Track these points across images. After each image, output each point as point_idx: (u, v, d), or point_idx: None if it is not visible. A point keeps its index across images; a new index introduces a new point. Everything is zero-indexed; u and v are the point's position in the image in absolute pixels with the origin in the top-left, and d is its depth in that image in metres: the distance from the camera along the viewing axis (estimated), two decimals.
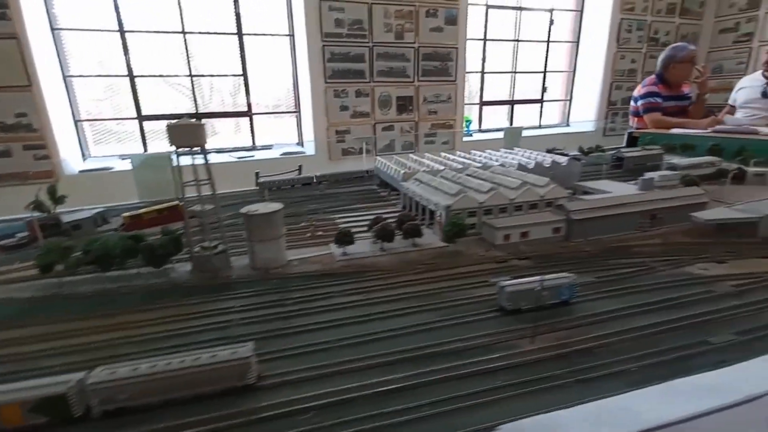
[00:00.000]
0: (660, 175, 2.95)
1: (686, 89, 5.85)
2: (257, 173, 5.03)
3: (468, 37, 7.74)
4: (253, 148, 7.27)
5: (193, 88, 6.67)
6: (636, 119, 5.92)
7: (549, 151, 4.82)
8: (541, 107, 9.79)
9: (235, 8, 6.55)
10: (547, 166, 3.20)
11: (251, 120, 7.17)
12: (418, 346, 1.26)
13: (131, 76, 6.15)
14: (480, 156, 3.53)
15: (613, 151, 4.32)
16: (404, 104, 7.50)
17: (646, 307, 1.46)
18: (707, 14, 9.50)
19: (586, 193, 2.84)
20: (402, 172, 2.92)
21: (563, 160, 3.25)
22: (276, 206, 1.92)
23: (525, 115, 9.97)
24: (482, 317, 1.42)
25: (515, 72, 9.24)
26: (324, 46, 6.60)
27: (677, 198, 2.29)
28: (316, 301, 1.59)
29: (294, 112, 7.49)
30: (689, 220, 2.16)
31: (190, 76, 6.63)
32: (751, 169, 3.29)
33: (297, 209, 2.99)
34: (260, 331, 1.37)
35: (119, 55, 6.03)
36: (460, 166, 3.06)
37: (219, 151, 7.00)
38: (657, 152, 4.13)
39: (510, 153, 3.62)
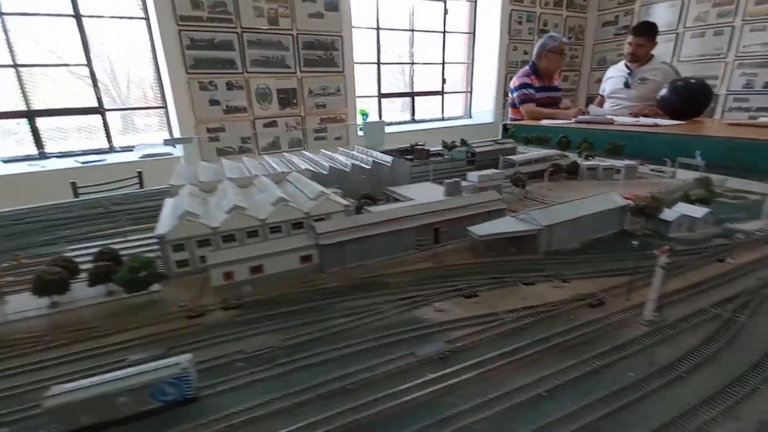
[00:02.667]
0: (480, 175, 2.58)
1: (556, 81, 5.79)
2: (73, 183, 4.13)
3: (354, 24, 7.18)
4: (111, 150, 6.21)
5: (20, 80, 5.49)
6: (513, 110, 5.77)
7: (413, 146, 4.42)
8: (443, 99, 9.56)
9: None
10: (368, 167, 2.73)
11: (104, 117, 6.10)
12: None
13: None
14: (297, 159, 2.99)
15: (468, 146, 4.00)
16: (287, 97, 6.81)
17: (313, 393, 0.97)
18: (591, 7, 9.75)
19: (395, 200, 2.39)
20: (170, 184, 2.29)
21: (387, 160, 2.79)
22: None
23: (429, 108, 9.71)
24: None
25: (413, 63, 8.87)
26: (180, 30, 5.71)
27: (466, 207, 1.88)
28: None
29: (161, 107, 6.52)
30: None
31: (14, 66, 5.44)
32: (584, 163, 3.06)
33: (33, 239, 2.26)
34: None
35: None
36: (258, 174, 2.49)
37: (63, 155, 5.89)
38: (510, 146, 3.86)
39: (339, 154, 3.12)
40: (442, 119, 9.66)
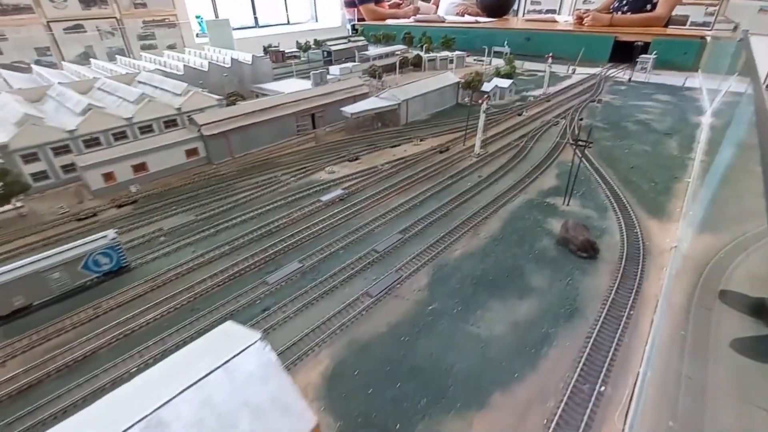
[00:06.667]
0: (342, 68, 2.69)
1: None
2: None
3: None
4: None
5: None
6: (354, 10, 5.70)
7: (266, 49, 4.14)
8: (286, 3, 8.68)
9: None
10: (227, 66, 2.53)
11: None
12: None
13: None
14: (137, 62, 2.57)
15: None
16: None
17: (224, 249, 1.10)
18: None
19: (264, 95, 2.35)
20: None
21: (247, 58, 2.62)
22: None
23: (276, 13, 8.75)
24: None
25: None
26: None
27: (337, 92, 2.00)
28: None
29: None
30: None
31: None
32: (425, 56, 3.40)
33: None
34: None
35: None
36: (99, 77, 2.09)
37: None
38: (362, 44, 3.95)
39: (190, 55, 2.77)
40: (288, 23, 8.92)
